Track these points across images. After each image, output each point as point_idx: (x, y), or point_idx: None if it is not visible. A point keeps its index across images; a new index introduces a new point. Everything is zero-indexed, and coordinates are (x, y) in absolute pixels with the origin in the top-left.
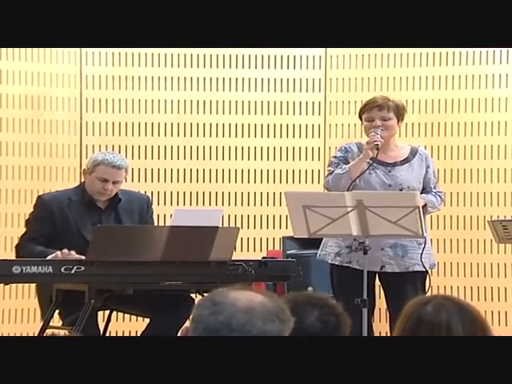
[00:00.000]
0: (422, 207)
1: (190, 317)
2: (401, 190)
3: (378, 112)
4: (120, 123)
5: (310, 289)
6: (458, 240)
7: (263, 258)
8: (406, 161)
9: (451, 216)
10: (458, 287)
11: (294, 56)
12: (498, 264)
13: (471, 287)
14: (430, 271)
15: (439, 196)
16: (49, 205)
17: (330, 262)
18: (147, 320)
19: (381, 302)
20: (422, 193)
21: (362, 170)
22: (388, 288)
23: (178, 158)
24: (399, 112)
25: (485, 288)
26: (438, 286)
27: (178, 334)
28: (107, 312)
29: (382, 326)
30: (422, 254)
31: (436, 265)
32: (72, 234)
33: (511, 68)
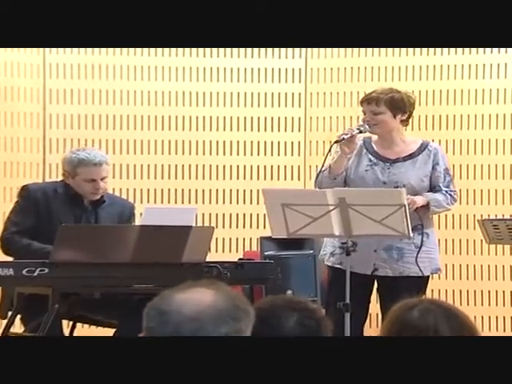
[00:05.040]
0: (423, 206)
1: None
2: (396, 188)
3: (367, 106)
4: (87, 116)
5: (290, 292)
6: (446, 240)
7: (239, 259)
8: (410, 157)
9: (438, 215)
10: (445, 291)
11: None
12: (489, 266)
13: (460, 290)
14: (431, 277)
15: (450, 195)
16: (34, 194)
17: (325, 262)
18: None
19: (378, 308)
20: (430, 191)
21: (345, 167)
22: (381, 293)
23: (149, 153)
24: (395, 105)
25: (474, 292)
26: (432, 290)
27: None
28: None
29: (374, 332)
30: (416, 257)
31: (440, 269)
32: (53, 228)
33: (503, 57)
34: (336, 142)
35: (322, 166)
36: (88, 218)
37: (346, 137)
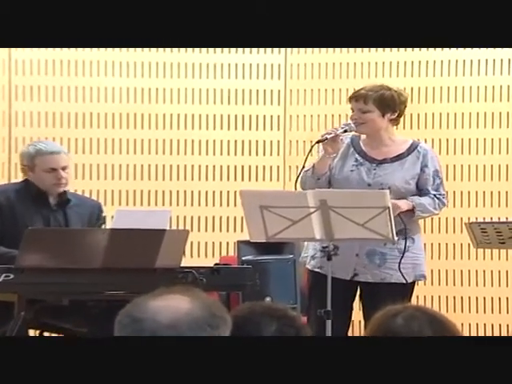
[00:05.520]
0: (408, 211)
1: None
2: (380, 190)
3: (355, 103)
4: (54, 113)
5: (268, 299)
6: (432, 245)
7: (215, 264)
8: (399, 158)
9: (431, 218)
10: (431, 297)
11: None
12: (476, 271)
13: (446, 297)
14: (420, 283)
15: (438, 198)
16: None
17: (306, 266)
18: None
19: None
20: (418, 195)
21: (329, 167)
22: (364, 299)
23: (121, 153)
24: (384, 104)
25: (461, 298)
26: (418, 296)
27: None
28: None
29: None
30: (399, 263)
31: (424, 276)
32: (19, 232)
33: (489, 53)
34: (318, 141)
35: (303, 166)
36: (57, 219)
37: (329, 136)
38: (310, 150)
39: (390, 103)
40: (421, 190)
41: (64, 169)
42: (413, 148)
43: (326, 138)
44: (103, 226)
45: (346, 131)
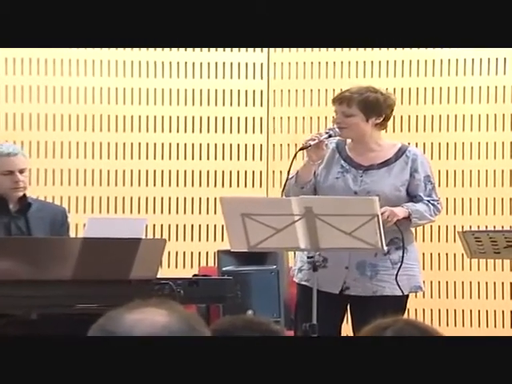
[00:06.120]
0: (404, 219)
1: None
2: None
3: (339, 106)
4: (15, 114)
5: (250, 312)
6: (423, 254)
7: (194, 275)
8: (386, 164)
9: (423, 226)
10: (423, 310)
11: None
12: (471, 283)
13: (439, 310)
14: (410, 296)
15: (432, 205)
16: None
17: (294, 279)
18: None
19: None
20: (409, 202)
21: (313, 175)
22: (354, 314)
23: (93, 157)
24: (368, 107)
25: (454, 311)
26: (409, 309)
27: None
28: None
29: None
30: (397, 274)
31: (421, 288)
32: None
33: (493, 51)
34: (302, 148)
35: (288, 173)
36: (18, 225)
37: (312, 143)
38: (294, 157)
39: (374, 107)
40: (413, 197)
41: (22, 172)
42: (401, 153)
43: (310, 145)
44: (68, 234)
45: (330, 136)
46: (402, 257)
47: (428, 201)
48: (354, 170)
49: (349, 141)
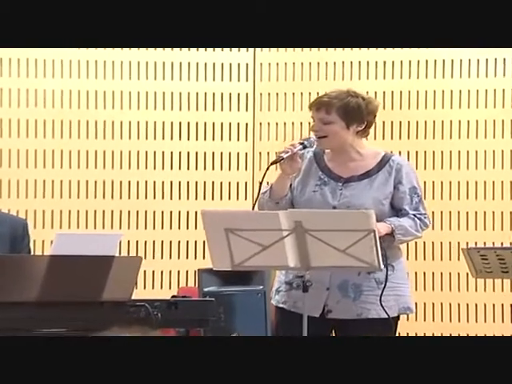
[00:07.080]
0: (387, 235)
1: None
2: None
3: (316, 112)
4: None
5: (235, 335)
6: (424, 274)
7: (173, 296)
8: (367, 175)
9: (415, 242)
10: (424, 334)
11: None
12: (476, 305)
13: (441, 334)
14: (400, 318)
15: (419, 219)
16: None
17: (271, 301)
18: None
19: None
20: (394, 216)
21: (289, 189)
22: None
23: (62, 167)
24: (348, 114)
25: (459, 336)
26: (400, 333)
27: None
28: None
29: None
30: (381, 295)
31: (410, 309)
32: None
33: (491, 52)
34: (273, 162)
35: (260, 186)
36: None
37: (285, 156)
38: (267, 169)
39: (356, 113)
40: (398, 211)
41: None
42: (384, 162)
43: (282, 158)
44: (29, 248)
45: (305, 147)
46: (386, 276)
47: (414, 215)
48: (332, 183)
49: (328, 150)
